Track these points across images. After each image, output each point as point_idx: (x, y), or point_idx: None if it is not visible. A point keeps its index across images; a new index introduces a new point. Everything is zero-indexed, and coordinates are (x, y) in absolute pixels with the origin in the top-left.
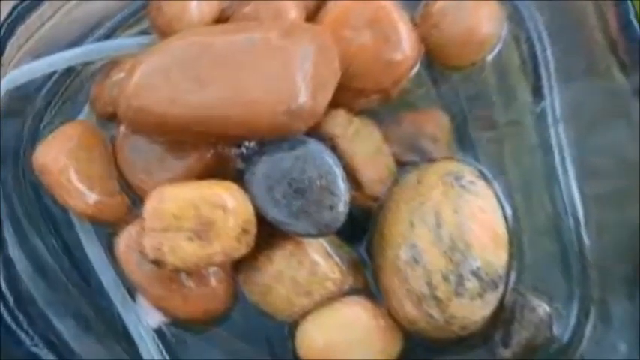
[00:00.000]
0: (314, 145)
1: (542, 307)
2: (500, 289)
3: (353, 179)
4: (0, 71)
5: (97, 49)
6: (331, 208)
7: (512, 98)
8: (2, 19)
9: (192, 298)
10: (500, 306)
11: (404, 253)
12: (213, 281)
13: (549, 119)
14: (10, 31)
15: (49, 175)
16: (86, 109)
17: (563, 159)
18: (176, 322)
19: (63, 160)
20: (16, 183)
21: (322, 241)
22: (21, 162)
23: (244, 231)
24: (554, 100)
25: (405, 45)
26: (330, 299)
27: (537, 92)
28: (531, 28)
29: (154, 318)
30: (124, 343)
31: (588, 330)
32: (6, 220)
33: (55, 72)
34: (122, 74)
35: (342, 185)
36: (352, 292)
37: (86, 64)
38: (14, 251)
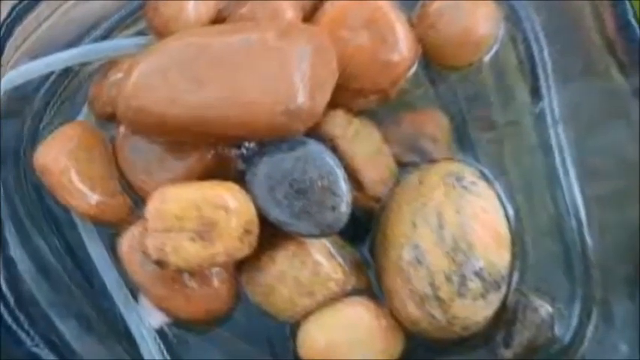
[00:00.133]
0: (314, 146)
1: (545, 308)
2: (503, 289)
3: (354, 180)
4: (1, 71)
5: (95, 49)
6: (333, 208)
7: (511, 98)
8: (2, 19)
9: (194, 298)
10: (503, 306)
11: (407, 254)
12: (215, 282)
13: (548, 120)
14: (9, 32)
15: (50, 176)
16: (85, 109)
17: (563, 159)
18: (178, 322)
19: (63, 161)
20: (18, 183)
21: (325, 242)
22: (21, 162)
23: (247, 231)
24: (553, 101)
25: (402, 45)
26: (333, 300)
27: (535, 93)
28: (528, 28)
29: (156, 318)
30: (125, 343)
31: (590, 330)
32: (7, 221)
33: (52, 72)
34: (120, 75)
35: (343, 186)
36: (355, 292)
37: (83, 64)
38: (16, 252)
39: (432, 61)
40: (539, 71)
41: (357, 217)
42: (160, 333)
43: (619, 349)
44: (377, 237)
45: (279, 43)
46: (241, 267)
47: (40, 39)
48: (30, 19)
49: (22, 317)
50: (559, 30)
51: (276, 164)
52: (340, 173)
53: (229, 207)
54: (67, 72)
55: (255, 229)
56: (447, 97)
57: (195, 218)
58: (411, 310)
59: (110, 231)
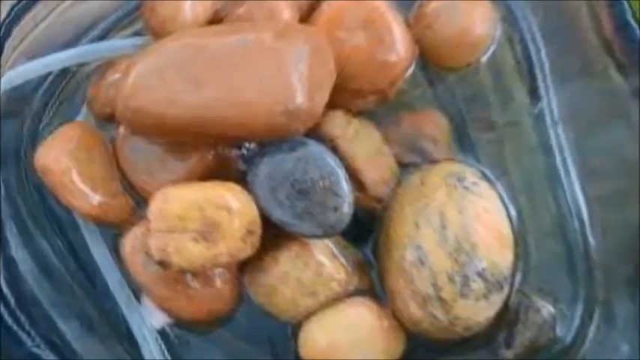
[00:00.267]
0: (314, 146)
1: (547, 309)
2: (505, 290)
3: (355, 180)
4: (0, 71)
5: (92, 50)
6: (335, 209)
7: (510, 99)
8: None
9: (197, 299)
10: (505, 307)
11: (409, 255)
12: (218, 282)
13: (548, 120)
14: (8, 32)
15: (51, 176)
16: (84, 110)
17: (564, 160)
18: (180, 323)
19: (64, 161)
20: (20, 184)
21: (328, 242)
22: (23, 163)
23: (249, 232)
24: (552, 101)
25: (399, 46)
26: (335, 300)
27: (534, 93)
28: (525, 29)
29: (158, 319)
30: (126, 344)
31: (592, 331)
32: (9, 221)
33: (50, 73)
34: (117, 75)
35: (345, 186)
36: (357, 293)
37: (81, 65)
38: (18, 252)
39: (430, 62)
40: (537, 72)
41: (359, 218)
42: (162, 333)
43: (620, 350)
44: (380, 237)
45: (276, 43)
46: (244, 268)
47: (37, 39)
48: (27, 20)
49: (22, 318)
50: (556, 30)
51: (277, 165)
52: (341, 174)
53: (231, 207)
54: (64, 72)
55: (258, 229)
56: (446, 97)
57: (198, 219)
58: (413, 310)
59: (113, 231)
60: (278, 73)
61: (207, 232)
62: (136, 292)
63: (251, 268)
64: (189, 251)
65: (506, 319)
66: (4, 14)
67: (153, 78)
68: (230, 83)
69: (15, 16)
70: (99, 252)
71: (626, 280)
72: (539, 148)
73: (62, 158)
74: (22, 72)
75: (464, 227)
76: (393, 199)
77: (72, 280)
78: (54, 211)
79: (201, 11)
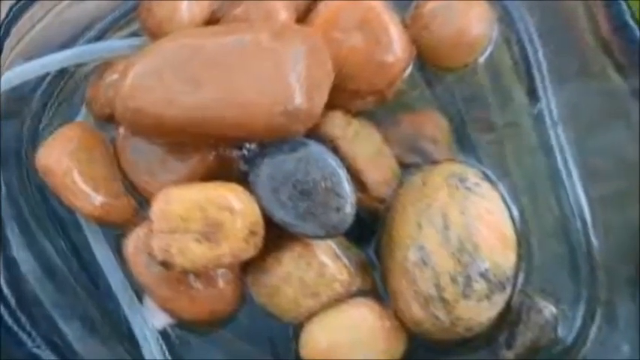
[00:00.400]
0: (315, 147)
1: (549, 309)
2: (508, 290)
3: (357, 181)
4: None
5: (89, 50)
6: (338, 209)
7: (508, 100)
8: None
9: (199, 299)
10: (507, 307)
11: (412, 255)
12: (221, 283)
13: (547, 121)
14: (7, 32)
15: (53, 177)
16: (83, 110)
17: (565, 160)
18: (181, 323)
19: (65, 162)
20: (22, 185)
21: (331, 243)
22: (24, 163)
23: (252, 232)
24: (551, 102)
25: (396, 46)
26: (337, 301)
27: (532, 94)
28: (522, 29)
29: (160, 320)
30: (127, 344)
31: (593, 331)
32: (11, 222)
33: (48, 74)
34: (115, 76)
35: (346, 187)
36: (359, 293)
37: (78, 65)
38: (19, 253)
39: (427, 63)
40: (535, 72)
41: (362, 219)
42: (163, 334)
43: (621, 350)
44: (382, 238)
45: (273, 44)
46: (246, 268)
47: (33, 40)
48: (24, 20)
49: (23, 318)
50: (553, 31)
51: (278, 165)
52: (343, 174)
53: (234, 208)
54: (62, 73)
55: (261, 230)
56: (445, 98)
57: (200, 219)
58: (415, 310)
59: (115, 232)
60: (276, 73)
61: (210, 233)
62: (139, 292)
63: (254, 269)
64: (192, 252)
65: (507, 319)
66: (3, 14)
67: (151, 78)
68: (228, 84)
69: (14, 17)
70: (102, 253)
71: (627, 281)
72: (540, 149)
73: (63, 159)
74: (20, 72)
75: (466, 228)
76: (395, 200)
77: (74, 281)
78: (56, 212)
79: (198, 12)
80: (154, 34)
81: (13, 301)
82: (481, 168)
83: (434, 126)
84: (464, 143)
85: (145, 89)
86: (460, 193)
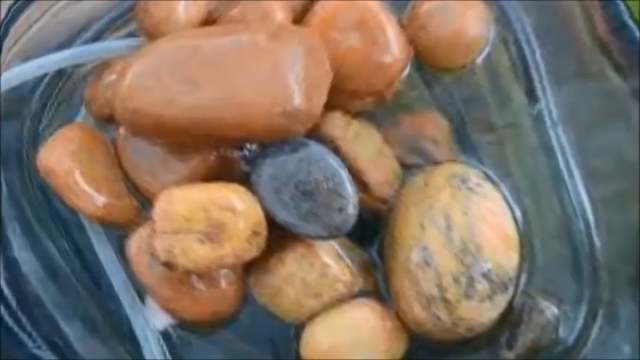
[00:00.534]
0: (316, 147)
1: (551, 310)
2: (510, 291)
3: (359, 181)
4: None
5: (87, 51)
6: (340, 210)
7: (508, 100)
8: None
9: (201, 300)
10: (509, 308)
11: (415, 256)
12: (223, 283)
13: (547, 121)
14: (6, 32)
15: (55, 178)
16: (83, 111)
17: (567, 161)
18: (183, 324)
19: (67, 163)
20: (24, 185)
21: (333, 244)
22: (25, 164)
23: (255, 233)
24: (550, 102)
25: (394, 47)
26: (339, 301)
27: (531, 94)
28: (518, 30)
29: (161, 320)
30: (128, 344)
31: (594, 332)
32: (13, 222)
33: (46, 74)
34: (113, 76)
35: (349, 187)
36: (362, 294)
37: (76, 66)
38: (21, 253)
39: (425, 63)
40: (533, 73)
41: (364, 219)
42: (164, 335)
43: (621, 350)
44: (385, 239)
45: (271, 44)
46: (249, 269)
47: (30, 41)
48: (20, 21)
49: (24, 319)
50: (550, 31)
51: (279, 166)
52: (345, 175)
53: (236, 208)
54: (60, 74)
55: (263, 230)
56: (444, 98)
57: (203, 220)
58: (417, 311)
59: (118, 233)
60: (274, 74)
61: (213, 234)
62: (140, 293)
63: (256, 269)
64: (195, 252)
65: (509, 320)
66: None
67: (149, 79)
68: (226, 84)
69: (12, 17)
70: (104, 253)
71: (629, 281)
72: (541, 149)
73: (64, 159)
74: (18, 73)
75: (469, 228)
76: (397, 201)
77: (77, 282)
78: (59, 213)
79: (195, 12)
80: (151, 34)
81: (13, 302)
82: (482, 168)
83: (434, 126)
84: (464, 144)
85: (143, 90)
86: (462, 193)
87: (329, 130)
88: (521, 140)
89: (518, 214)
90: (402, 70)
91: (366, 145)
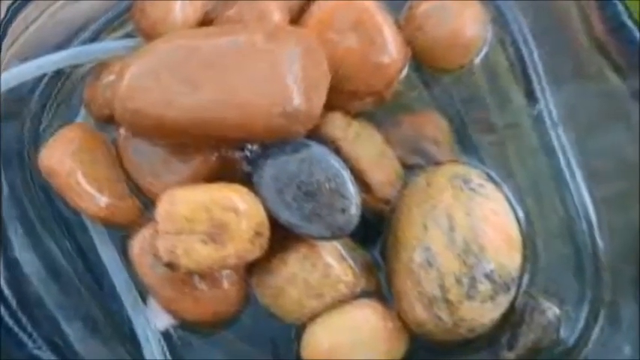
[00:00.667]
0: (317, 148)
1: (552, 310)
2: (512, 291)
3: (361, 182)
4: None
5: (85, 51)
6: (343, 210)
7: (507, 101)
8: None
9: (203, 300)
10: (511, 309)
11: (418, 256)
12: (225, 284)
13: (547, 122)
14: (5, 32)
15: (57, 178)
16: (82, 111)
17: (568, 161)
18: (184, 324)
19: (68, 163)
20: (26, 186)
21: (336, 244)
22: (27, 165)
23: (257, 233)
24: (549, 103)
25: (391, 48)
26: (341, 302)
27: (530, 95)
28: (515, 30)
29: (163, 320)
30: (128, 345)
31: (595, 332)
32: (14, 223)
33: (44, 75)
34: (112, 77)
35: (351, 188)
36: (364, 294)
37: (74, 66)
38: (23, 254)
39: (423, 64)
40: (531, 73)
41: (367, 220)
42: (165, 335)
43: (622, 351)
44: (388, 239)
45: (268, 45)
46: (252, 269)
47: (28, 41)
48: (18, 21)
49: (24, 319)
50: (547, 32)
51: (281, 166)
52: (347, 175)
53: (239, 209)
54: (58, 74)
55: (266, 231)
56: (443, 99)
57: (206, 220)
58: (419, 311)
59: (121, 233)
60: (272, 74)
61: (216, 234)
62: (142, 293)
63: (259, 270)
64: (198, 253)
65: (510, 320)
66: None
67: (148, 79)
68: (225, 85)
69: (11, 17)
70: (107, 254)
71: (630, 282)
72: (542, 150)
73: (65, 160)
74: (16, 73)
75: (472, 229)
76: (400, 201)
77: (79, 282)
78: (62, 213)
79: (192, 13)
80: (148, 35)
81: (14, 303)
82: (484, 169)
83: (434, 127)
84: (465, 144)
85: (142, 90)
86: (465, 194)
87: (329, 130)
88: (522, 141)
89: (521, 214)
90: (401, 70)
91: (367, 146)
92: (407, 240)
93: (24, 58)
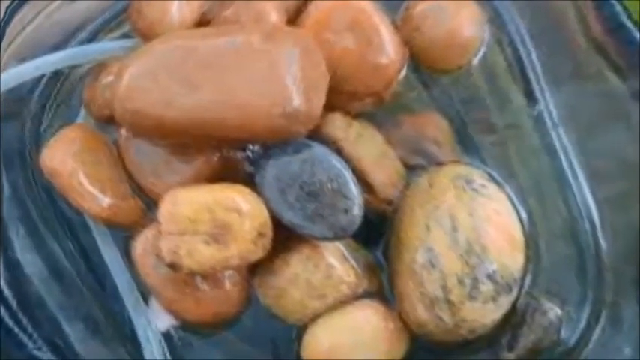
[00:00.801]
0: (319, 149)
1: (554, 311)
2: (514, 292)
3: (363, 182)
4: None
5: (82, 52)
6: (346, 211)
7: (507, 101)
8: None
9: (204, 301)
10: (512, 309)
11: (420, 257)
12: (227, 284)
13: (548, 123)
14: (3, 32)
15: (59, 178)
16: (82, 112)
17: (570, 162)
18: (185, 325)
19: (70, 163)
20: (28, 186)
21: (339, 245)
22: (29, 165)
23: (260, 234)
24: (549, 103)
25: (389, 48)
26: (343, 302)
27: (530, 95)
28: (512, 31)
29: (164, 321)
30: (129, 345)
31: (596, 333)
32: (16, 223)
33: (43, 75)
34: (110, 77)
35: (353, 188)
36: (366, 295)
37: (73, 67)
38: (25, 255)
39: (421, 65)
40: (530, 74)
41: (370, 220)
42: (166, 335)
43: (622, 352)
44: (391, 240)
45: (265, 46)
46: (255, 270)
47: (25, 42)
48: (15, 22)
49: (25, 320)
50: (544, 32)
51: (283, 167)
52: (349, 176)
53: (242, 210)
54: (57, 75)
55: (269, 231)
56: (443, 99)
57: (208, 221)
58: (420, 312)
59: (124, 234)
60: (271, 75)
61: (219, 235)
62: (144, 294)
63: (261, 270)
64: (201, 253)
65: (511, 321)
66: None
67: (146, 80)
68: (224, 85)
69: (8, 17)
70: (110, 254)
71: (632, 282)
72: (544, 150)
73: (67, 160)
74: (15, 74)
75: (475, 230)
76: (402, 202)
77: (82, 283)
78: (64, 213)
79: (188, 13)
80: (145, 35)
81: (14, 303)
82: (486, 169)
83: (435, 128)
84: (467, 145)
85: (142, 91)
86: (467, 194)
87: (330, 131)
88: (523, 141)
89: (524, 215)
90: (399, 71)
91: (368, 147)
92: (409, 241)
93: (21, 59)
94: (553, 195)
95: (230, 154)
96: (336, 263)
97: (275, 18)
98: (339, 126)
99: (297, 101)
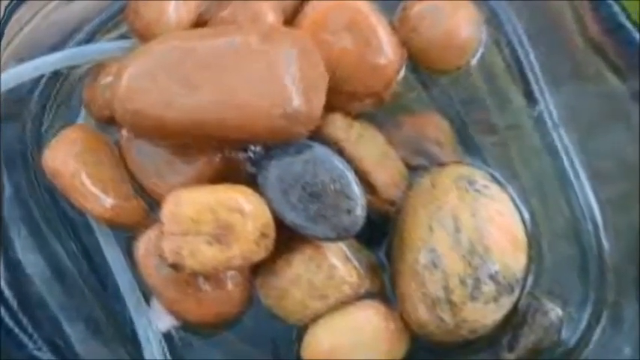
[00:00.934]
0: (320, 149)
1: (555, 312)
2: (516, 293)
3: (366, 183)
4: None
5: (80, 52)
6: (349, 211)
7: (506, 102)
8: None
9: (206, 301)
10: (513, 310)
11: (423, 257)
12: (229, 285)
13: (549, 123)
14: (2, 32)
15: (61, 179)
16: (83, 112)
17: (572, 162)
18: (186, 325)
19: (72, 164)
20: (31, 187)
21: (341, 245)
22: (31, 165)
23: (263, 235)
24: (549, 104)
25: (387, 48)
26: (344, 303)
27: (529, 96)
28: (510, 31)
29: (165, 322)
30: (129, 346)
31: (597, 333)
32: (18, 224)
33: (42, 76)
34: (109, 78)
35: (356, 189)
36: (368, 295)
37: (71, 68)
38: (27, 255)
39: (420, 65)
40: (529, 74)
41: (372, 221)
42: (167, 336)
43: (622, 352)
44: (393, 240)
45: (263, 46)
46: (257, 270)
47: (22, 42)
48: (12, 22)
49: (25, 320)
50: (542, 33)
51: (286, 168)
52: (351, 176)
53: (244, 210)
54: (56, 75)
55: (272, 232)
56: (442, 100)
57: (211, 221)
58: (421, 313)
59: (126, 234)
60: (270, 75)
61: (221, 235)
62: (146, 294)
63: (263, 271)
64: (203, 254)
65: (512, 321)
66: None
67: (145, 80)
68: (223, 86)
69: (7, 18)
70: (112, 254)
71: (632, 282)
72: (545, 151)
73: (69, 161)
74: (14, 74)
75: (477, 230)
76: (405, 202)
77: (83, 283)
78: (67, 214)
79: (185, 13)
80: (142, 35)
81: (15, 303)
82: (489, 170)
83: (435, 128)
84: (468, 145)
85: (141, 91)
86: (470, 195)
87: (331, 132)
88: (524, 142)
89: (526, 215)
90: (398, 71)
91: (370, 147)
92: (412, 241)
93: (19, 60)
94: (555, 195)
95: (232, 154)
96: (338, 264)
97: (272, 18)
98: (339, 126)
99: (297, 102)
